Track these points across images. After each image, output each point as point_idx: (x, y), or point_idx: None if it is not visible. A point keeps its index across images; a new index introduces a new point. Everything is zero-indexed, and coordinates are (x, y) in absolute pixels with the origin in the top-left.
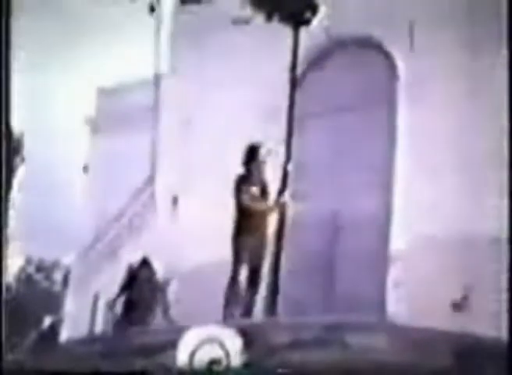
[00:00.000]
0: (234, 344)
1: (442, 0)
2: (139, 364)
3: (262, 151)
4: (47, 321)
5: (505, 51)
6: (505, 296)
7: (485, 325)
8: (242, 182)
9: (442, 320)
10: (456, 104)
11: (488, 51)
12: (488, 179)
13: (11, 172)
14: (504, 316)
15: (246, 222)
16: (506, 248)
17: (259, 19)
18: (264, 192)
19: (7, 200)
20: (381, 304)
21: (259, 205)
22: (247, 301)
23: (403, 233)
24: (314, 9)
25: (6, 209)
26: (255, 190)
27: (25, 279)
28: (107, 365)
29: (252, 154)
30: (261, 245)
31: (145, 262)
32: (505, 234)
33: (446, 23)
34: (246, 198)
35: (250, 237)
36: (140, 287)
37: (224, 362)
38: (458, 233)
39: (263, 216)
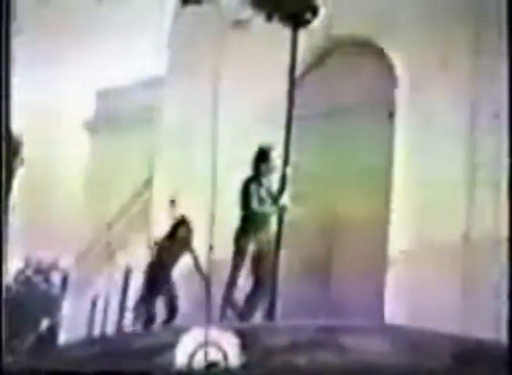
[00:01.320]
0: (232, 346)
1: (442, 1)
2: (137, 366)
3: (273, 155)
4: (44, 323)
5: (505, 52)
6: (505, 298)
7: (484, 327)
8: (251, 184)
9: (440, 323)
10: (455, 105)
11: (489, 52)
12: (487, 181)
13: (11, 174)
14: (504, 319)
15: (250, 223)
16: (506, 249)
17: (259, 20)
18: (270, 194)
19: (7, 202)
20: (379, 306)
21: (267, 208)
22: (251, 303)
23: (401, 236)
24: (314, 10)
25: (7, 211)
26: (263, 192)
27: (24, 281)
28: (105, 367)
29: (263, 156)
30: (265, 247)
31: (183, 221)
32: (505, 236)
33: (445, 24)
34: (254, 202)
35: (254, 238)
36: (174, 247)
37: (222, 365)
38: (457, 235)
39: (267, 218)
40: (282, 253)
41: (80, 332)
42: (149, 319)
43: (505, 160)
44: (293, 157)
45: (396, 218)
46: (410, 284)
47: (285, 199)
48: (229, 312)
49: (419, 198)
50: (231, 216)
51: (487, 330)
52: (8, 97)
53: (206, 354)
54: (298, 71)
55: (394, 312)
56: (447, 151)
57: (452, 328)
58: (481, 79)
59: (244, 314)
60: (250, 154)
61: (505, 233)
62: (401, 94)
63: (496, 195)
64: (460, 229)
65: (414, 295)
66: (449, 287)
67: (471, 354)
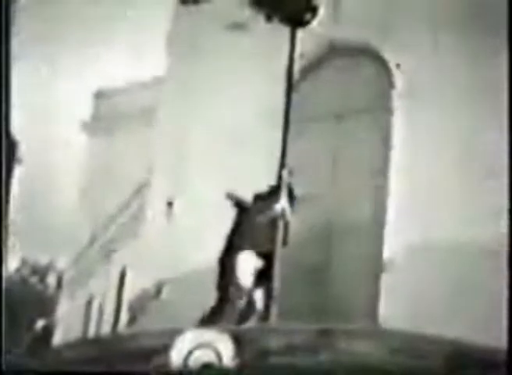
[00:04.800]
0: (227, 348)
1: (441, 6)
2: (132, 367)
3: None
4: (39, 324)
5: (505, 56)
6: (504, 303)
7: (482, 332)
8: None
9: (436, 326)
10: (453, 110)
11: (488, 58)
12: (486, 185)
13: (10, 174)
14: (503, 323)
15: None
16: (506, 252)
17: (255, 23)
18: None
19: (7, 202)
20: (374, 310)
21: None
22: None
23: (397, 240)
24: (314, 11)
25: (7, 212)
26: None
27: (20, 281)
28: (100, 368)
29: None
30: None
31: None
32: (504, 238)
33: (444, 29)
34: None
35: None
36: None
37: (217, 367)
38: (454, 239)
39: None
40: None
41: (75, 333)
42: None
43: (505, 160)
44: (289, 159)
45: (392, 222)
46: (406, 287)
47: (283, 204)
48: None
49: (416, 200)
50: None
51: (484, 334)
52: (8, 97)
53: (201, 355)
54: (296, 73)
55: (389, 315)
56: (445, 153)
57: (447, 332)
58: (480, 85)
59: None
60: (247, 155)
61: (505, 234)
62: (398, 100)
63: (495, 196)
64: (457, 231)
65: (409, 299)
66: (445, 291)
67: (466, 358)
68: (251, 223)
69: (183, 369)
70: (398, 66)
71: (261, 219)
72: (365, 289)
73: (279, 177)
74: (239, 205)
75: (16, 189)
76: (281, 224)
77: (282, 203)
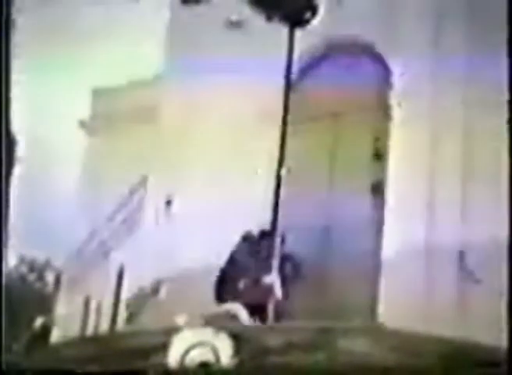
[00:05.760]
0: (225, 347)
1: (442, 5)
2: (130, 366)
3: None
4: (38, 322)
5: (505, 55)
6: (504, 302)
7: (481, 331)
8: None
9: (435, 325)
10: (452, 109)
11: (488, 58)
12: (486, 184)
13: (9, 173)
14: (503, 322)
15: None
16: (505, 251)
17: (255, 21)
18: None
19: (7, 201)
20: (373, 309)
21: None
22: None
23: (396, 239)
24: (314, 9)
25: (7, 209)
26: None
27: (18, 278)
28: (98, 367)
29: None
30: None
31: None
32: (504, 237)
33: (445, 28)
34: None
35: None
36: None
37: (215, 365)
38: (453, 237)
39: None
40: None
41: (74, 331)
42: None
43: (505, 159)
44: (287, 159)
45: (390, 222)
46: (405, 286)
47: (273, 277)
48: None
49: (414, 202)
50: (230, 217)
51: (484, 333)
52: (8, 97)
53: (199, 354)
54: (295, 72)
55: (388, 314)
56: (445, 153)
57: (446, 331)
58: (479, 85)
59: None
60: (246, 154)
61: (504, 234)
62: (397, 97)
63: (495, 196)
64: (457, 232)
65: (408, 297)
66: (444, 290)
67: (464, 357)
68: (242, 268)
69: (181, 368)
70: (402, 74)
71: (246, 284)
72: (364, 288)
73: (278, 177)
74: (245, 238)
75: (15, 187)
76: (271, 301)
77: (272, 277)
